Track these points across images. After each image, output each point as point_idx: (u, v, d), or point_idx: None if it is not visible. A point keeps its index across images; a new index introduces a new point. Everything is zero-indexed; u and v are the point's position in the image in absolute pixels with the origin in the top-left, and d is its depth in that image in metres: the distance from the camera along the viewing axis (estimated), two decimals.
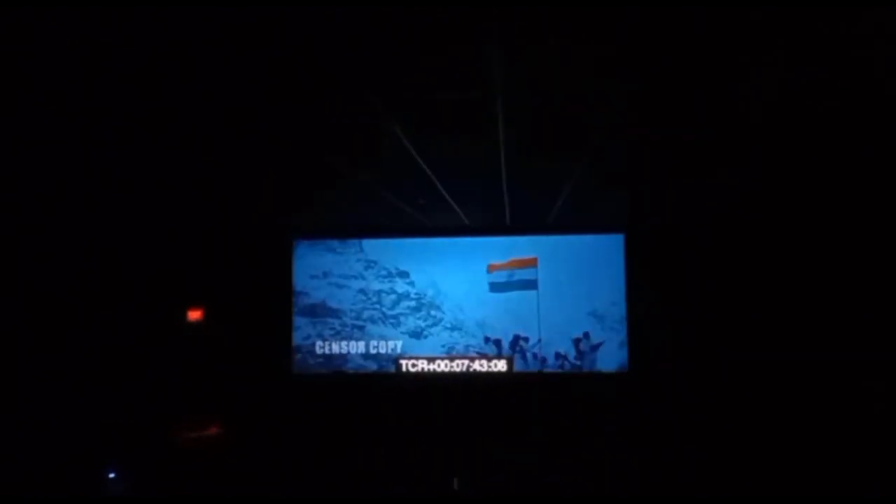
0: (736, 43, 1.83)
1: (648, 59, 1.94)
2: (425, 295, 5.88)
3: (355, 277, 5.93)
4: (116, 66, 1.92)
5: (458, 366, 5.79)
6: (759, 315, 5.30)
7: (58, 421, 4.81)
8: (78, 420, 4.94)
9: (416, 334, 5.86)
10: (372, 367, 5.87)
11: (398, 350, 5.86)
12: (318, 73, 2.01)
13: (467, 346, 5.81)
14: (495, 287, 5.82)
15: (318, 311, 5.94)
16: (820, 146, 3.01)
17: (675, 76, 2.09)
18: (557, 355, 5.72)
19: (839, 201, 4.30)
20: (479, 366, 5.77)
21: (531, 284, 5.77)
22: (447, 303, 5.86)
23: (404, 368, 5.84)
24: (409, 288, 5.89)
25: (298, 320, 5.95)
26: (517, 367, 5.75)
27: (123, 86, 2.10)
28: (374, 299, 5.91)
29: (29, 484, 4.45)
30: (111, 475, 4.93)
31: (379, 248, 5.92)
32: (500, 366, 5.76)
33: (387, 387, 5.83)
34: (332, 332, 5.92)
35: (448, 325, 5.85)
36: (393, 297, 5.90)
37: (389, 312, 5.89)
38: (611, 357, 5.68)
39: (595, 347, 5.69)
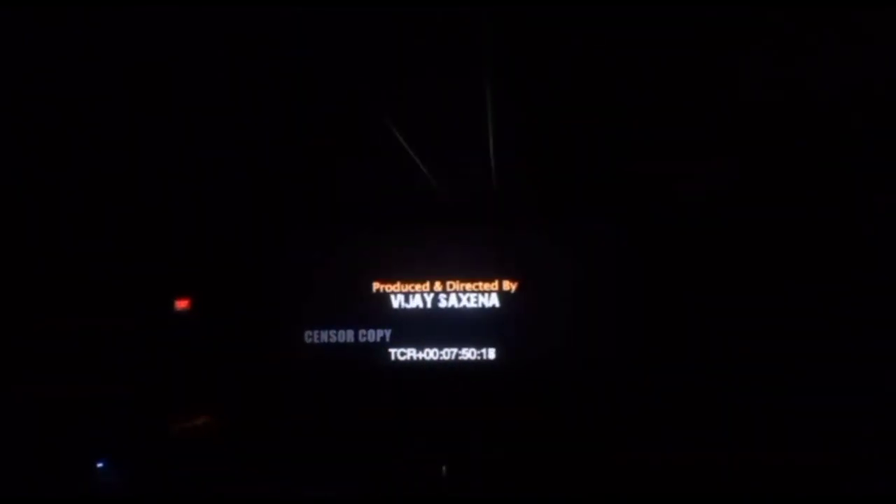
0: (732, 36, 1.85)
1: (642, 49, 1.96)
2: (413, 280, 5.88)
3: (343, 264, 5.91)
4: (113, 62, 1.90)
5: (447, 354, 5.81)
6: (747, 305, 5.36)
7: (46, 410, 4.79)
8: (67, 409, 4.92)
9: (405, 322, 5.86)
10: (360, 355, 5.87)
11: (387, 338, 5.87)
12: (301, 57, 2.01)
13: (456, 335, 5.83)
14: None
15: (307, 300, 5.93)
16: (811, 139, 3.04)
17: (670, 68, 2.11)
18: (547, 344, 5.75)
19: (825, 193, 4.36)
20: (469, 354, 5.80)
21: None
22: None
23: (393, 357, 5.85)
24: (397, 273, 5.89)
25: (287, 309, 5.93)
26: (507, 355, 5.77)
27: (112, 77, 2.08)
28: (363, 287, 5.89)
29: (17, 474, 4.42)
30: (100, 465, 4.91)
31: (366, 236, 5.91)
32: (490, 354, 5.79)
33: (375, 375, 5.84)
34: (320, 321, 5.91)
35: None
36: (381, 284, 5.89)
37: (377, 300, 5.89)
38: (601, 346, 5.71)
39: (586, 336, 5.72)
